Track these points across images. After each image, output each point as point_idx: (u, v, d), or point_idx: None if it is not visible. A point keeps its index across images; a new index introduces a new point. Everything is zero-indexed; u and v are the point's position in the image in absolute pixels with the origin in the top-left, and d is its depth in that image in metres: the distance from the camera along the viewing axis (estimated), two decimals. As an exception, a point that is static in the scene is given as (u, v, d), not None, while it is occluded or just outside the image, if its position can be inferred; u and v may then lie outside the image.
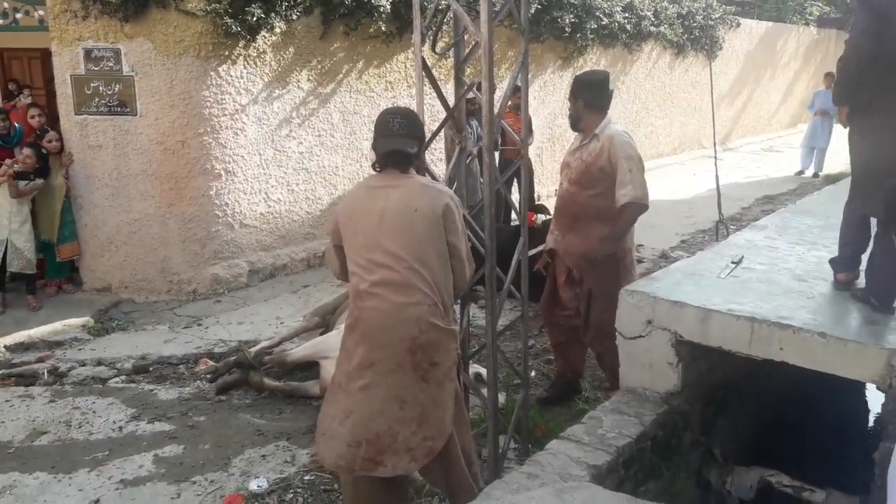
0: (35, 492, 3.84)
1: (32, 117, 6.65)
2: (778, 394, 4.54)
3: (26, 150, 6.18)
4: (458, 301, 3.64)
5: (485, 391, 3.57)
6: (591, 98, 4.14)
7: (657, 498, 2.78)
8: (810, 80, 19.41)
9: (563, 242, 4.30)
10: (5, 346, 5.65)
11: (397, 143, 2.91)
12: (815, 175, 12.67)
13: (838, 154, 13.73)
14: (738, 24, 15.54)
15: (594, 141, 4.13)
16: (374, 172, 3.02)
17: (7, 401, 4.85)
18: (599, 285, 4.21)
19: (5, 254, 6.14)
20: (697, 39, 13.84)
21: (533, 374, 4.97)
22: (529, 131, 4.98)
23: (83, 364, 5.39)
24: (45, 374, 5.23)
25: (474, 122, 6.23)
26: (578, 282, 4.32)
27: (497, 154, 7.08)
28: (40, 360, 5.45)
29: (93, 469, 4.05)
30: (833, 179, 9.75)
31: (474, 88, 3.83)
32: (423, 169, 3.12)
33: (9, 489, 3.87)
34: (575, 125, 4.26)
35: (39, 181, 6.21)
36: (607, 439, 3.07)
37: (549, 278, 4.46)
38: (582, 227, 4.20)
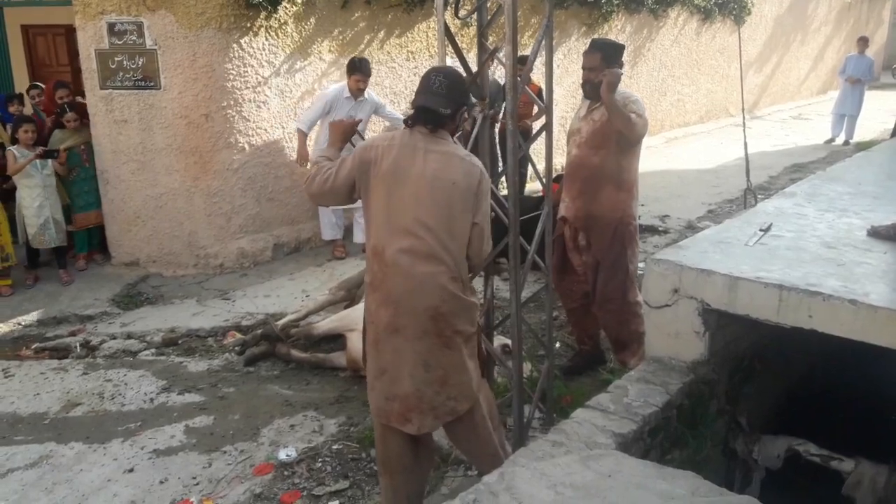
0: (71, 461, 3.94)
1: (60, 98, 6.72)
2: (806, 362, 4.50)
3: (25, 126, 6.23)
4: (482, 274, 3.64)
5: (510, 362, 3.58)
6: (610, 53, 4.15)
7: (683, 466, 2.78)
8: (842, 46, 18.94)
9: (573, 208, 4.34)
10: (38, 320, 5.77)
11: (431, 101, 2.86)
12: (846, 143, 12.41)
13: (869, 121, 13.53)
14: (768, -12, 15.19)
15: None
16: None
17: (42, 373, 4.96)
18: (604, 251, 4.30)
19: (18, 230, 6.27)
20: (725, 4, 13.53)
21: (557, 344, 4.98)
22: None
23: (114, 337, 5.49)
24: (78, 347, 5.34)
25: None
26: (585, 248, 4.36)
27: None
28: (73, 334, 5.56)
29: (126, 439, 4.14)
30: (864, 147, 9.54)
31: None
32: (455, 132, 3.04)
33: (45, 459, 3.97)
34: (589, 88, 4.21)
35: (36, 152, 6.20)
36: (633, 408, 3.07)
37: (557, 246, 4.46)
38: (591, 190, 4.26)
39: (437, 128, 2.88)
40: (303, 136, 6.72)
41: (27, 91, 7.14)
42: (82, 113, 6.66)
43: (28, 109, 7.20)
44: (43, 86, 7.32)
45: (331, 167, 2.99)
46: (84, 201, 6.71)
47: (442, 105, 2.85)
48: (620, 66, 4.17)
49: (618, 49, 4.21)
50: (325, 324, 5.06)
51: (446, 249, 2.83)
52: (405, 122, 2.97)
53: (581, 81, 4.32)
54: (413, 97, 2.98)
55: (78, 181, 6.63)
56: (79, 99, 6.95)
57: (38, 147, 6.22)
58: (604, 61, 4.10)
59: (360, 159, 2.93)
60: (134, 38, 6.31)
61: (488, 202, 2.97)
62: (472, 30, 6.12)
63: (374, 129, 7.26)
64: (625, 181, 4.25)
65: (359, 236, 6.88)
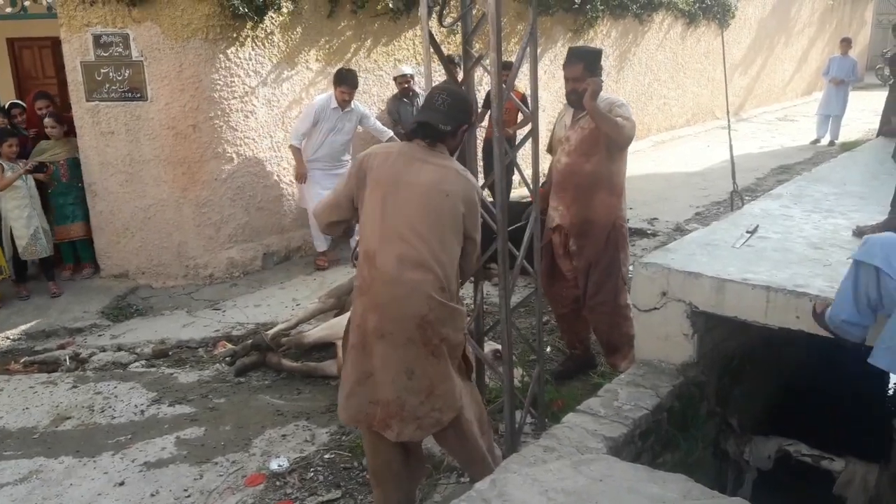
0: (61, 476, 3.91)
1: (40, 109, 6.69)
2: (795, 362, 4.53)
3: (9, 140, 6.20)
4: (472, 279, 3.65)
5: (501, 367, 3.58)
6: (591, 61, 4.16)
7: (674, 469, 2.79)
8: (825, 47, 19.10)
9: (569, 215, 4.35)
10: (27, 334, 5.73)
11: (431, 117, 2.91)
12: (831, 143, 12.51)
13: (854, 122, 13.63)
14: (751, -8, 15.31)
15: None
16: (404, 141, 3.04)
17: (31, 387, 4.93)
18: (598, 254, 4.31)
19: (13, 245, 6.23)
20: (709, 8, 13.62)
21: (548, 349, 4.98)
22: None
23: (104, 350, 5.46)
24: (67, 360, 5.30)
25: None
26: (576, 254, 4.38)
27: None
28: (62, 347, 5.53)
29: (116, 452, 4.12)
30: (849, 147, 9.61)
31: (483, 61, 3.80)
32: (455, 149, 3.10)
33: (35, 473, 3.94)
34: (574, 97, 4.21)
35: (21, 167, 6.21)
36: (623, 411, 3.08)
37: (545, 253, 4.48)
38: (585, 196, 4.28)
39: (435, 142, 2.93)
40: (297, 152, 6.70)
41: (9, 109, 7.08)
42: (67, 122, 6.63)
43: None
44: (24, 104, 7.27)
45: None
46: (61, 214, 6.67)
47: (442, 122, 2.90)
48: (601, 70, 4.20)
49: (597, 56, 4.24)
50: (316, 332, 5.05)
51: (437, 259, 2.85)
52: (406, 135, 3.02)
53: (566, 91, 4.33)
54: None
55: (54, 195, 6.59)
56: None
57: (29, 162, 6.22)
58: (586, 70, 4.12)
59: (359, 167, 2.99)
60: (120, 49, 6.29)
61: (478, 217, 3.01)
62: (459, 37, 6.14)
63: (364, 140, 7.26)
64: (615, 185, 4.29)
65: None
